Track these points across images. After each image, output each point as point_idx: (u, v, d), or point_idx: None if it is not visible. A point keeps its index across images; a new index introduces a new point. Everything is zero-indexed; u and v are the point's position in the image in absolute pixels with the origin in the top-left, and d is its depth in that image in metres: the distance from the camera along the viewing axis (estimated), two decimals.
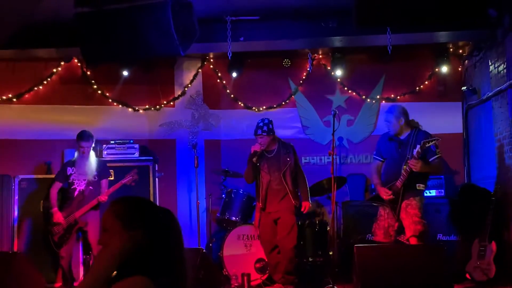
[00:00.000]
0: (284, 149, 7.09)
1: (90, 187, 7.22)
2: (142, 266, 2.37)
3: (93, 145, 7.32)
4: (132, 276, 2.31)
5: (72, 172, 7.24)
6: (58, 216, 7.10)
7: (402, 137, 6.65)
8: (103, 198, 7.13)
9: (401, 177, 6.38)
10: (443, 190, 7.91)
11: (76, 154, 7.33)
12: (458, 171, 8.75)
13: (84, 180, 7.20)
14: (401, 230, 6.49)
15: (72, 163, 7.31)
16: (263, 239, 7.07)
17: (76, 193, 7.20)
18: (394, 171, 6.55)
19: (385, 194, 6.52)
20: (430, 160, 6.44)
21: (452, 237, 7.50)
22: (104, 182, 7.33)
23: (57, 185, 7.33)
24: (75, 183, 7.22)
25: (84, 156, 7.23)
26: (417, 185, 6.48)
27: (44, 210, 7.63)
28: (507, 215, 7.32)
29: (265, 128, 6.99)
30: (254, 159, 7.01)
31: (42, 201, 7.71)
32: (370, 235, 6.83)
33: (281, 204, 6.96)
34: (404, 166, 6.39)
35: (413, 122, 6.74)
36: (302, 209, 7.00)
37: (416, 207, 6.39)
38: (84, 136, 7.20)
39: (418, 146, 6.22)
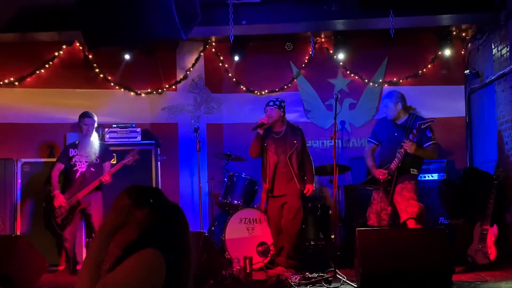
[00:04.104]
0: (292, 131, 7.13)
1: (92, 169, 7.23)
2: (151, 242, 2.47)
3: (96, 125, 7.35)
4: (144, 248, 2.43)
5: (75, 154, 7.27)
6: (59, 200, 7.13)
7: (399, 121, 6.70)
8: (106, 178, 7.13)
9: (396, 159, 6.45)
10: (445, 174, 7.91)
11: (79, 136, 7.35)
12: (459, 154, 8.74)
13: (86, 162, 7.22)
14: (394, 214, 6.53)
15: (74, 145, 7.34)
16: (271, 222, 7.11)
17: (77, 174, 7.22)
18: (389, 154, 6.59)
19: (381, 174, 6.56)
20: (425, 145, 6.50)
21: (454, 221, 7.51)
22: (107, 165, 7.34)
23: (59, 167, 7.35)
24: (77, 165, 7.24)
25: (87, 135, 7.25)
26: (411, 169, 6.52)
27: (46, 193, 7.66)
28: (509, 198, 7.34)
29: (277, 102, 7.11)
30: (260, 130, 7.04)
31: (44, 185, 7.74)
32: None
33: (287, 188, 7.00)
34: (399, 149, 6.43)
35: (411, 108, 6.78)
36: (305, 191, 7.04)
37: (411, 190, 6.45)
38: (87, 113, 7.28)
39: (414, 129, 6.29)
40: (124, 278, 2.40)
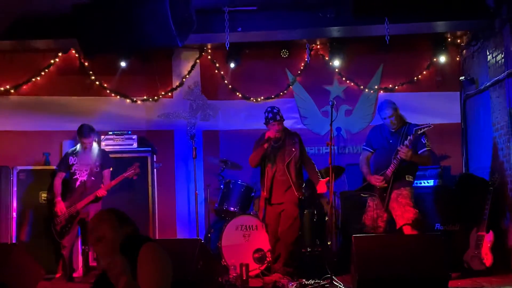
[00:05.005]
0: (290, 139, 7.09)
1: (92, 178, 7.22)
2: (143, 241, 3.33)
3: (95, 138, 7.34)
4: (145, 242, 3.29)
5: (75, 162, 7.25)
6: (61, 206, 7.13)
7: (394, 128, 6.66)
8: (102, 192, 7.13)
9: (392, 165, 6.43)
10: (441, 180, 7.91)
11: (78, 145, 7.33)
12: (455, 160, 8.75)
13: (86, 170, 7.21)
14: (390, 220, 6.52)
15: (74, 153, 7.31)
16: (269, 231, 7.10)
17: (78, 183, 7.21)
18: (384, 161, 6.57)
19: (377, 180, 6.54)
20: (419, 152, 6.47)
21: (450, 227, 7.50)
22: (106, 173, 7.33)
23: (60, 175, 7.35)
24: (77, 174, 7.23)
25: (87, 149, 7.25)
26: (406, 176, 6.51)
27: (48, 200, 7.64)
28: (505, 204, 7.35)
29: (281, 114, 7.04)
30: (266, 145, 6.98)
31: (41, 193, 7.72)
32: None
33: (285, 196, 6.97)
34: (394, 155, 6.42)
35: (405, 119, 6.76)
36: (318, 191, 7.10)
37: (407, 196, 6.43)
38: (84, 132, 7.19)
39: (411, 135, 6.27)
40: (154, 265, 3.17)
